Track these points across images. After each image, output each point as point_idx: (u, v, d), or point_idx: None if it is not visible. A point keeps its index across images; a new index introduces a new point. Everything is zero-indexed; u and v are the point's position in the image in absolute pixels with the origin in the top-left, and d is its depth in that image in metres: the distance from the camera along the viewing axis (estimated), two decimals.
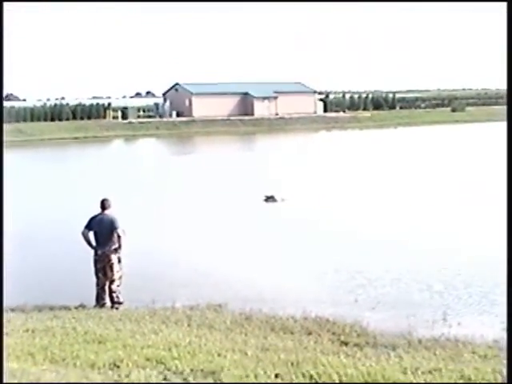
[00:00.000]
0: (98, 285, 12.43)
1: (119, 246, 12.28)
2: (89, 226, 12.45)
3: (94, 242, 12.47)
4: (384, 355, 8.92)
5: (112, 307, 12.25)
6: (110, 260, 12.28)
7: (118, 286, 12.38)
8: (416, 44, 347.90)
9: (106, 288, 12.40)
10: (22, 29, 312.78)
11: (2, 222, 11.94)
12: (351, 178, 31.51)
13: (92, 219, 12.50)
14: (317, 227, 19.96)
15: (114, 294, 12.36)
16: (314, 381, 7.67)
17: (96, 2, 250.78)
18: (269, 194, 25.12)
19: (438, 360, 8.74)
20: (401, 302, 12.92)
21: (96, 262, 12.38)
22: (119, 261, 12.39)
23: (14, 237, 19.35)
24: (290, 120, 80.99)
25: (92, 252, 12.49)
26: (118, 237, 12.24)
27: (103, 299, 12.39)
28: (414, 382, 7.63)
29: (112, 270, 12.29)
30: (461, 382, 7.75)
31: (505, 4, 10.17)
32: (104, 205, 12.50)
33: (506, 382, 7.41)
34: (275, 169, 36.38)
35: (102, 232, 12.34)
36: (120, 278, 12.41)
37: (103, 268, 12.31)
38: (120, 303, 12.34)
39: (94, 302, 12.38)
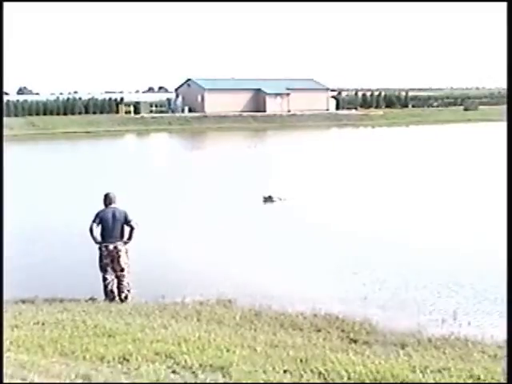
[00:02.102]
0: (105, 279, 12.39)
1: (129, 238, 12.32)
2: (99, 221, 12.35)
3: (99, 237, 12.38)
4: (393, 353, 8.90)
5: (121, 300, 12.28)
6: (120, 254, 12.30)
7: (125, 277, 12.39)
8: (429, 42, 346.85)
9: (115, 281, 12.42)
10: (37, 24, 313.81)
11: (2, 221, 11.95)
12: (356, 177, 31.17)
13: (101, 213, 12.41)
14: (319, 227, 19.68)
15: (122, 286, 12.38)
16: (322, 378, 7.67)
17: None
18: (266, 195, 24.63)
19: (447, 359, 8.71)
20: (411, 301, 12.90)
21: (105, 256, 12.33)
22: (126, 252, 12.41)
23: (24, 229, 19.48)
24: (301, 117, 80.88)
25: (96, 247, 12.42)
26: (132, 229, 12.26)
27: (113, 293, 12.42)
28: (423, 380, 7.61)
29: (119, 263, 12.31)
30: (470, 381, 7.73)
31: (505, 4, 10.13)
32: (111, 199, 12.49)
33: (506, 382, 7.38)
34: (280, 167, 36.25)
35: (115, 225, 12.30)
36: (127, 269, 12.44)
37: (112, 262, 12.30)
38: (126, 295, 12.37)
39: (104, 296, 12.41)
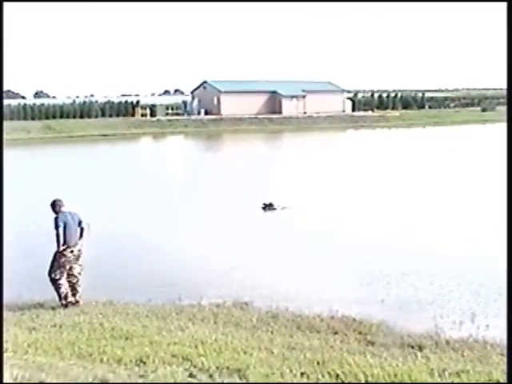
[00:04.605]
0: (61, 285, 11.93)
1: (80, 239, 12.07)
2: (63, 225, 11.90)
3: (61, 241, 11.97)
4: (411, 356, 8.86)
5: (76, 302, 11.99)
6: (81, 256, 12.08)
7: (80, 282, 12.11)
8: (446, 43, 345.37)
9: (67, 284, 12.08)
10: (54, 27, 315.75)
11: (3, 221, 11.96)
12: (367, 182, 30.45)
13: (62, 217, 11.96)
14: (331, 233, 19.36)
15: (80, 288, 12.09)
16: (339, 380, 7.64)
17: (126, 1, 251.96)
18: (267, 202, 23.61)
19: (465, 361, 8.66)
20: (428, 303, 12.83)
21: (69, 261, 11.95)
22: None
23: (43, 231, 19.57)
24: (318, 119, 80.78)
25: (53, 251, 12.02)
26: (82, 230, 12.04)
27: (68, 298, 12.01)
28: (441, 383, 7.57)
29: (80, 265, 12.08)
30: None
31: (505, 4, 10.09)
32: (57, 204, 12.09)
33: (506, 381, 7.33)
34: (292, 171, 36.03)
35: (75, 228, 12.02)
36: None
37: (71, 266, 12.00)
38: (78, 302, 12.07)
39: (121, 298, 12.38)
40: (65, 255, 11.96)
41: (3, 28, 12.25)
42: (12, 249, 14.86)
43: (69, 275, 12.07)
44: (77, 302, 12.04)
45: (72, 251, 11.99)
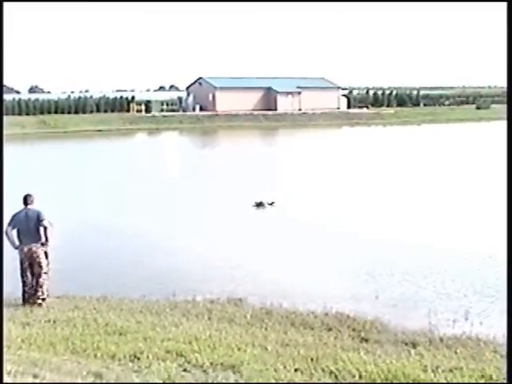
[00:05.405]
0: (24, 284, 11.67)
1: (46, 239, 11.67)
2: (13, 223, 11.66)
3: (17, 240, 11.68)
4: (404, 353, 8.88)
5: (37, 304, 11.58)
6: (38, 256, 11.64)
7: (44, 280, 11.70)
8: (441, 41, 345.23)
9: (34, 283, 11.72)
10: (49, 23, 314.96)
11: (2, 220, 11.89)
12: (360, 179, 30.37)
13: (15, 216, 11.72)
14: (324, 230, 19.31)
15: (41, 289, 11.65)
16: (333, 376, 7.66)
17: None
18: (259, 200, 23.38)
19: (458, 358, 8.68)
20: (422, 300, 12.85)
21: (23, 259, 11.63)
22: (46, 255, 11.76)
23: None
24: (313, 116, 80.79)
25: (14, 250, 11.75)
26: (45, 229, 11.60)
27: (35, 295, 11.71)
28: (435, 380, 7.59)
29: (40, 266, 11.64)
30: (482, 381, 7.70)
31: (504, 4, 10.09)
32: (27, 200, 11.79)
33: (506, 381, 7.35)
34: (285, 168, 36.01)
35: (29, 226, 11.63)
36: (46, 272, 11.74)
37: (30, 265, 11.64)
38: (44, 299, 11.68)
39: (116, 294, 12.38)
40: (19, 253, 11.73)
41: (3, 28, 12.20)
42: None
43: (34, 275, 11.73)
44: (37, 303, 11.59)
45: (22, 249, 11.66)
